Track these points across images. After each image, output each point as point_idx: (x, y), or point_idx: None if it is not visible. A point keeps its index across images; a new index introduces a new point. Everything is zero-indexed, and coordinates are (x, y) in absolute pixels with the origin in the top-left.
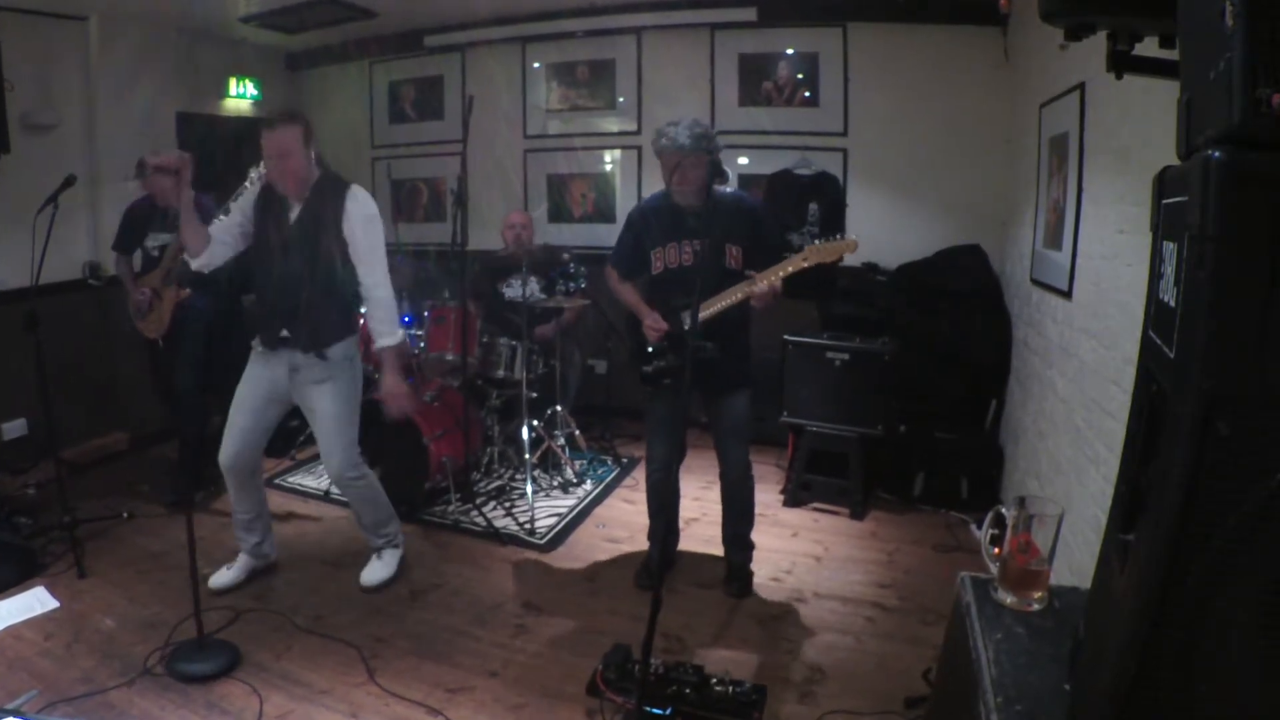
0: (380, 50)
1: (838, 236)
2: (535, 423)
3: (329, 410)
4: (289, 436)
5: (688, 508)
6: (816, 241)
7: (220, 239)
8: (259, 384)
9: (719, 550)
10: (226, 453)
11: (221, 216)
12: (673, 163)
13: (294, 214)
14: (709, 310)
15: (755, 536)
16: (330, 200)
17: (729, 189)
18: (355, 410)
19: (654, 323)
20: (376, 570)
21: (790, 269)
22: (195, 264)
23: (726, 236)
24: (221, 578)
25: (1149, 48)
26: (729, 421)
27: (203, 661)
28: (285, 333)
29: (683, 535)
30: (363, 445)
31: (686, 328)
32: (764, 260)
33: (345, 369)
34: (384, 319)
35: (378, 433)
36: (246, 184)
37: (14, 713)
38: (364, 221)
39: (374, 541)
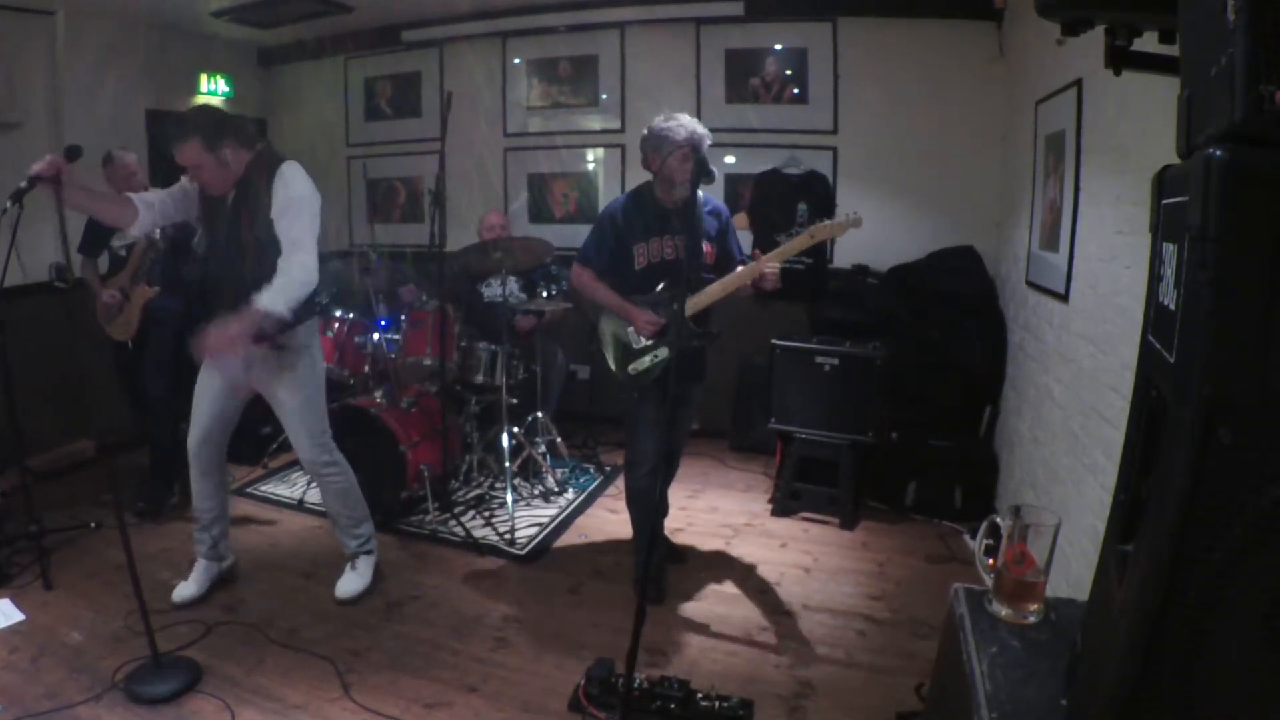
0: (356, 46)
1: (853, 214)
2: (515, 429)
3: (290, 399)
4: (261, 444)
5: (672, 516)
6: (822, 220)
7: (149, 202)
8: (217, 373)
9: (706, 561)
10: (193, 437)
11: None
12: (681, 154)
13: (230, 200)
14: (721, 293)
15: (742, 546)
16: (258, 187)
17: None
18: (320, 394)
19: (650, 318)
20: (352, 581)
21: (798, 247)
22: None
23: (705, 234)
24: (184, 591)
25: (1148, 43)
26: (688, 410)
27: (161, 682)
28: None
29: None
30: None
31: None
32: (730, 256)
33: (303, 355)
34: (278, 287)
35: (353, 440)
36: None
37: None
38: (286, 203)
39: (349, 545)
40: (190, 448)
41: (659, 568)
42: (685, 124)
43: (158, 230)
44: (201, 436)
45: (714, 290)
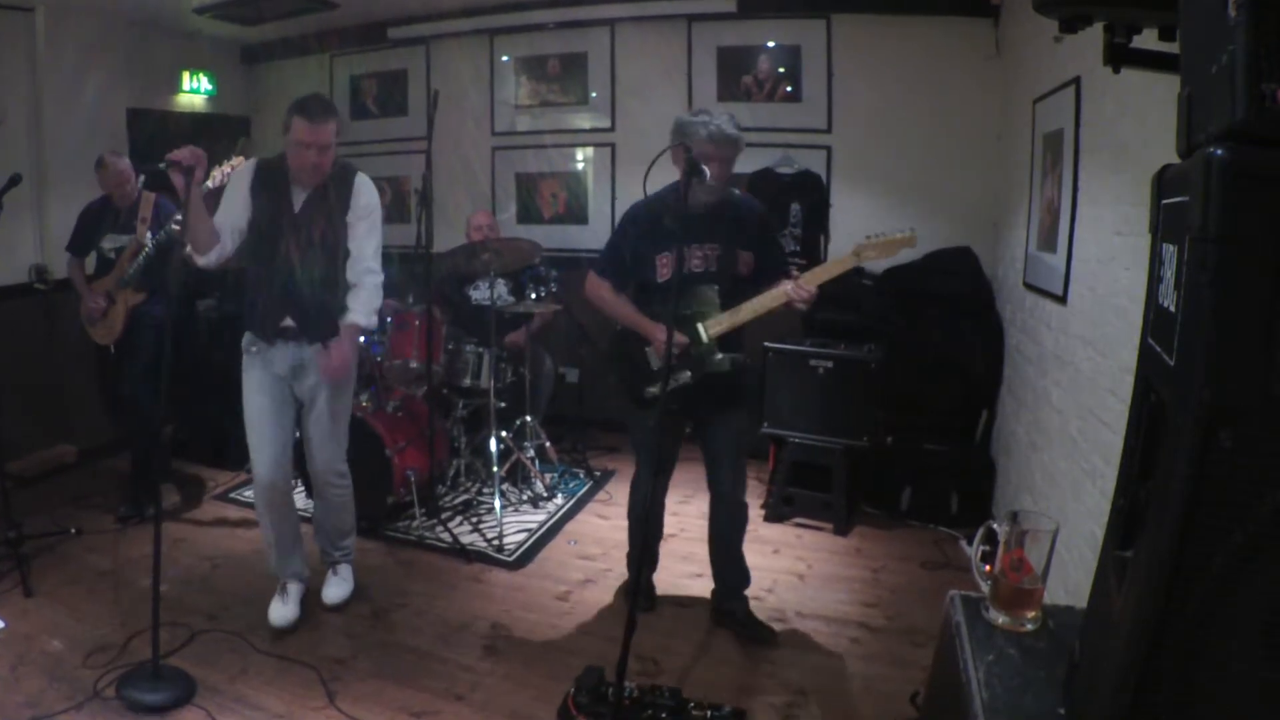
0: (341, 43)
1: (907, 231)
2: (504, 434)
3: (332, 402)
4: (244, 449)
5: (665, 523)
6: (868, 237)
7: (228, 232)
8: (265, 386)
9: (696, 568)
10: (264, 466)
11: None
12: (706, 155)
13: (299, 201)
14: (751, 315)
15: None
16: (338, 187)
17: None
18: (350, 405)
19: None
20: (338, 587)
21: (841, 268)
22: (203, 261)
23: (740, 240)
24: (284, 614)
25: (1148, 40)
26: (734, 439)
27: (156, 691)
28: (289, 322)
29: (660, 551)
30: None
31: (706, 339)
32: (771, 266)
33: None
34: (366, 300)
35: None
36: (223, 177)
37: None
38: (368, 210)
39: (331, 554)
40: (265, 475)
41: (649, 578)
42: (713, 120)
43: (149, 234)
44: (274, 459)
45: (744, 311)
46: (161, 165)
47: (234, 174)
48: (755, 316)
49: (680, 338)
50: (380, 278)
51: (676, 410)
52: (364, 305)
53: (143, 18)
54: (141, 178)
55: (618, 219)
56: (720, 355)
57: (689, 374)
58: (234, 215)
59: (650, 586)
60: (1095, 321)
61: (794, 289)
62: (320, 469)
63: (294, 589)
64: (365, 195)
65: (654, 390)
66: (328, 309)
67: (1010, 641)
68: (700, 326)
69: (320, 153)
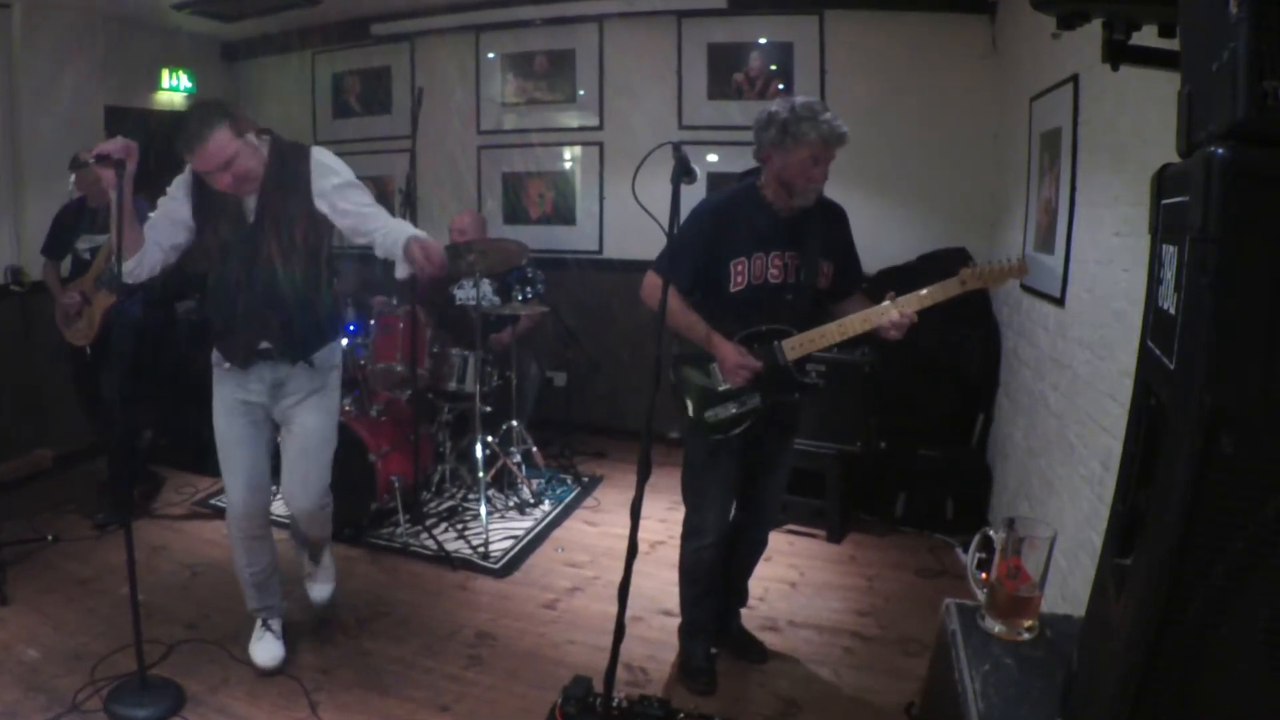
0: (323, 40)
1: (1014, 261)
2: (489, 439)
3: (316, 425)
4: None
5: (652, 529)
6: (974, 265)
7: (151, 245)
8: (238, 410)
9: None
10: (238, 494)
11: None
12: (810, 155)
13: (251, 207)
14: (839, 337)
15: None
16: (292, 179)
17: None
18: (336, 425)
19: (742, 360)
20: (323, 584)
21: (945, 294)
22: (128, 264)
23: (821, 249)
24: (273, 652)
25: (1148, 37)
26: (785, 472)
27: (145, 707)
28: (265, 344)
29: (647, 559)
30: None
31: (785, 361)
32: (849, 280)
33: (334, 377)
34: (398, 227)
35: None
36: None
37: None
38: (336, 189)
39: (317, 556)
40: (237, 509)
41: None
42: (822, 118)
43: None
44: (247, 492)
45: (831, 332)
46: (90, 160)
47: (172, 185)
48: (843, 339)
49: (754, 364)
50: (388, 220)
51: (735, 436)
52: (398, 229)
53: (121, 14)
54: (73, 177)
55: (605, 218)
56: (800, 380)
57: (759, 399)
58: (169, 232)
59: (712, 664)
60: (1093, 324)
61: (897, 314)
62: (308, 504)
63: (276, 625)
64: (329, 173)
65: (715, 414)
66: (304, 325)
67: (1007, 651)
68: (778, 346)
69: (226, 170)
